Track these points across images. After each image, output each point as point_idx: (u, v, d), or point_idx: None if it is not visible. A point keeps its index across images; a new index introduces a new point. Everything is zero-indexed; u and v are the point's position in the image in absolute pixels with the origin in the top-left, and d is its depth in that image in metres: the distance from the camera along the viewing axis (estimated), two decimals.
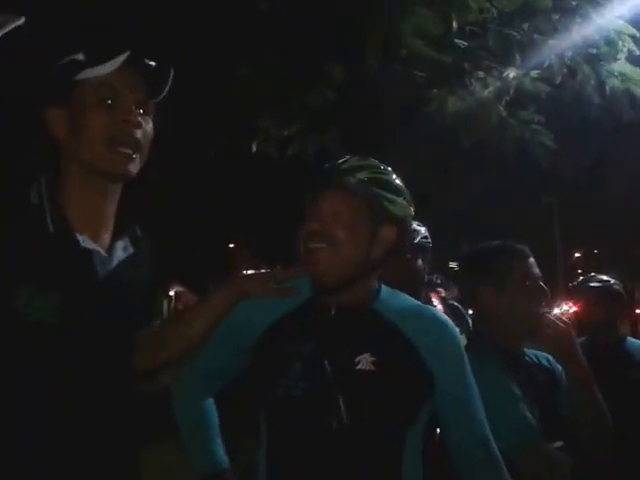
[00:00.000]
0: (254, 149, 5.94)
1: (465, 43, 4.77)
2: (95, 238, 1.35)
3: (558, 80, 4.72)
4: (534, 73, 4.76)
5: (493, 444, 1.41)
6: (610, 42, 4.30)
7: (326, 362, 1.34)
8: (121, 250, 1.39)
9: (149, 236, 1.53)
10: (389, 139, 5.82)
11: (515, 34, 4.59)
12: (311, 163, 6.11)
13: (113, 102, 1.32)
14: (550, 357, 1.92)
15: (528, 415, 1.69)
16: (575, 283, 3.53)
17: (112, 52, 1.31)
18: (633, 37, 4.24)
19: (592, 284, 3.20)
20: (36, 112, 1.39)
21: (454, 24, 4.02)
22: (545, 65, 4.69)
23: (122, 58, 1.30)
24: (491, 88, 4.98)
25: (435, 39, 4.17)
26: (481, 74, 5.01)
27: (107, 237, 1.38)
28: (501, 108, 5.08)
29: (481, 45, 4.95)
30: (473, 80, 4.99)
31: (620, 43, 4.27)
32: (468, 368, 1.43)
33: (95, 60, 1.31)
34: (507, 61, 4.91)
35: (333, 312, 1.40)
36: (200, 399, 1.56)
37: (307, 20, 3.93)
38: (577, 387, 1.78)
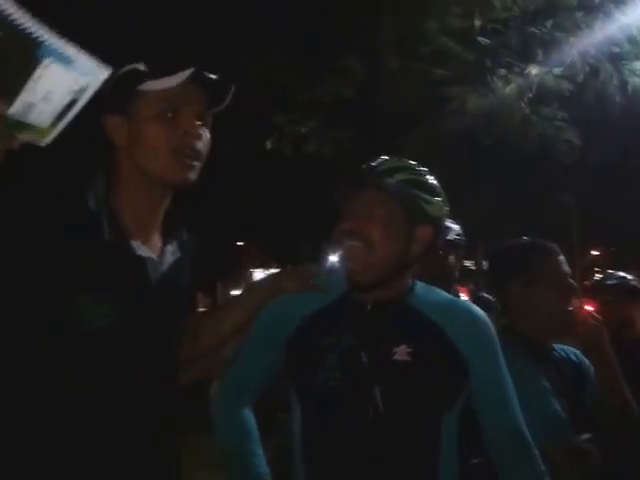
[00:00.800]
0: (268, 147, 5.98)
1: (487, 41, 4.79)
2: (147, 242, 1.39)
3: (580, 78, 4.73)
4: (557, 70, 4.76)
5: (526, 432, 1.44)
6: (633, 41, 4.31)
7: (362, 354, 1.38)
8: (170, 254, 1.43)
9: (194, 238, 1.57)
10: (407, 137, 5.85)
11: (537, 31, 4.60)
12: (326, 162, 6.15)
13: (174, 114, 1.34)
14: (578, 352, 1.95)
15: (557, 407, 1.72)
16: (592, 281, 3.52)
17: (176, 66, 1.33)
18: None
19: (609, 282, 3.20)
20: (94, 117, 1.41)
21: (477, 21, 4.03)
22: (567, 63, 4.70)
23: (186, 74, 1.32)
24: (513, 85, 4.99)
25: (458, 36, 4.18)
26: (503, 71, 5.03)
27: (157, 240, 1.42)
28: (524, 105, 5.09)
29: (503, 42, 4.97)
30: (495, 77, 5.01)
31: None
32: (502, 358, 1.46)
33: (158, 72, 1.34)
34: (529, 58, 4.93)
35: (369, 307, 1.43)
36: (240, 408, 1.57)
37: (325, 16, 3.95)
38: (605, 383, 1.80)
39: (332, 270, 1.58)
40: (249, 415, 1.56)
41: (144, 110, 1.34)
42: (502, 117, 5.20)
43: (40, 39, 0.98)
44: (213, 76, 1.37)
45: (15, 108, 1.00)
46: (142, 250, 1.37)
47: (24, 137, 1.06)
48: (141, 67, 1.37)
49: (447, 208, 1.50)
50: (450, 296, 1.54)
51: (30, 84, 0.99)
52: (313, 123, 5.44)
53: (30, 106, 1.01)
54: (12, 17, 0.96)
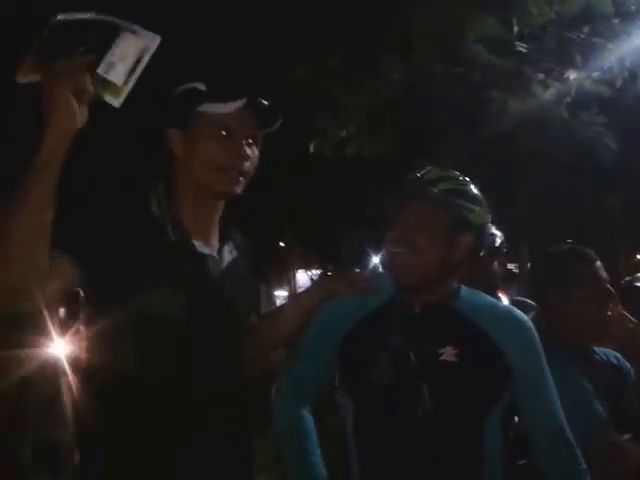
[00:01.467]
0: (312, 150, 6.11)
1: (524, 46, 4.83)
2: (206, 243, 1.51)
3: (619, 83, 4.74)
4: (595, 75, 4.78)
5: (569, 431, 1.51)
6: None
7: (411, 354, 1.47)
8: (227, 253, 1.55)
9: (246, 241, 1.69)
10: (446, 141, 5.90)
11: (575, 37, 4.62)
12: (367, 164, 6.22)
13: (227, 135, 1.48)
14: (619, 355, 2.01)
15: (599, 408, 1.78)
16: (622, 283, 3.50)
17: (233, 94, 1.47)
18: None
19: (637, 284, 3.20)
20: (158, 129, 1.56)
21: (515, 28, 4.08)
22: (605, 68, 4.71)
23: (240, 103, 1.45)
24: (552, 90, 5.02)
25: (496, 43, 4.24)
26: (541, 76, 5.06)
27: (215, 242, 1.54)
28: (563, 110, 5.11)
29: (540, 47, 5.01)
30: (533, 82, 5.05)
31: None
32: (544, 359, 1.53)
33: (216, 97, 1.47)
34: (567, 63, 4.95)
35: (417, 310, 1.52)
36: (300, 408, 1.65)
37: (369, 21, 4.05)
38: None
39: (377, 274, 1.68)
40: (308, 416, 1.65)
41: (201, 128, 1.47)
42: (542, 121, 5.24)
43: (116, 21, 1.28)
44: (265, 102, 1.50)
45: (101, 67, 1.25)
46: (203, 248, 1.49)
47: (105, 96, 1.27)
48: (201, 87, 1.51)
49: (489, 216, 1.58)
50: (493, 300, 1.62)
51: (111, 48, 1.26)
52: (354, 126, 5.55)
53: (111, 64, 1.26)
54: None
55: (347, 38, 4.09)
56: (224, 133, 1.48)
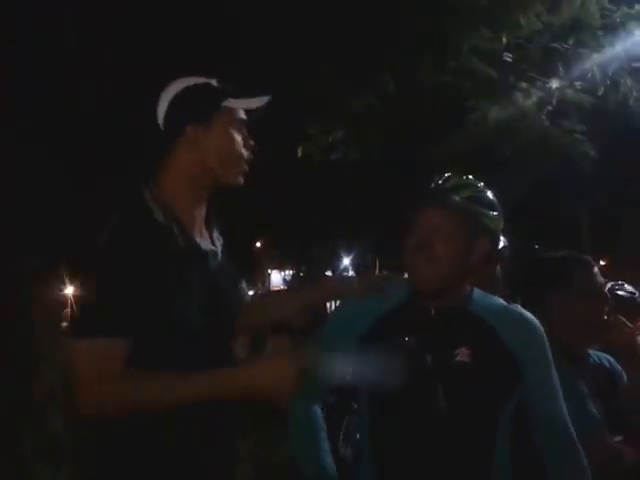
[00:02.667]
0: (300, 154, 6.14)
1: (510, 55, 4.92)
2: (201, 235, 1.55)
3: (601, 91, 4.85)
4: (577, 84, 4.88)
5: (573, 430, 1.57)
6: None
7: (427, 355, 1.51)
8: (218, 241, 1.61)
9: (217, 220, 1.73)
10: (431, 148, 5.98)
11: (560, 47, 4.72)
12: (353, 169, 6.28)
13: (242, 127, 1.56)
14: (611, 359, 2.07)
15: (594, 410, 1.84)
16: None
17: (257, 89, 1.55)
18: None
19: (619, 292, 3.28)
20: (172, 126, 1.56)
21: (504, 40, 4.15)
22: (588, 77, 4.82)
23: (265, 100, 1.55)
24: (534, 98, 5.11)
25: (486, 54, 4.32)
26: (524, 85, 5.15)
27: (205, 230, 1.58)
28: (544, 117, 5.21)
29: (524, 57, 5.10)
30: (516, 90, 5.13)
31: None
32: (552, 361, 1.59)
33: (242, 93, 1.54)
34: (550, 73, 5.05)
35: (432, 312, 1.57)
36: (311, 406, 1.71)
37: (361, 32, 4.09)
38: (637, 386, 1.93)
39: (388, 276, 1.73)
40: (318, 412, 1.71)
41: (226, 122, 1.53)
42: (522, 129, 5.33)
43: None
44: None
45: None
46: (204, 245, 1.53)
47: None
48: (214, 83, 1.54)
49: (502, 220, 1.64)
50: (503, 302, 1.67)
51: None
52: (340, 132, 5.59)
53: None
54: None
55: (345, 47, 4.13)
56: (239, 125, 1.56)
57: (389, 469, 1.53)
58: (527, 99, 5.20)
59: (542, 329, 1.61)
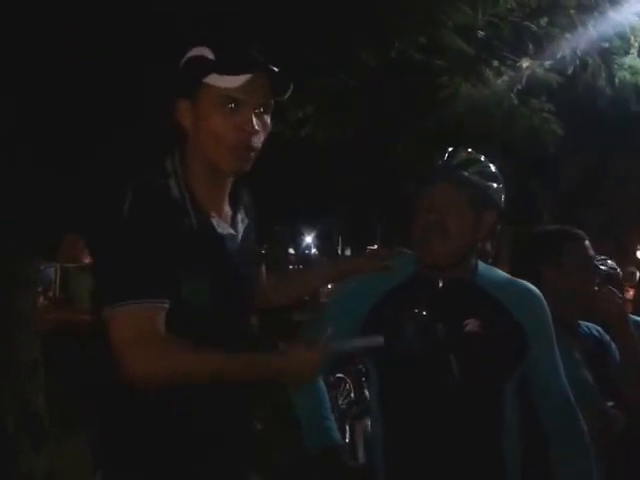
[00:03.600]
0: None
1: (482, 33, 4.95)
2: (220, 214, 1.51)
3: (570, 71, 4.93)
4: (547, 64, 4.94)
5: (572, 398, 1.62)
6: (623, 37, 4.50)
7: (439, 326, 1.54)
8: (241, 223, 1.56)
9: (252, 198, 1.69)
10: (401, 126, 6.00)
11: (532, 26, 4.76)
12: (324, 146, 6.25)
13: (235, 108, 1.42)
14: (599, 328, 2.14)
15: (588, 377, 1.91)
16: None
17: (242, 66, 1.40)
18: None
19: (602, 267, 3.37)
20: (167, 99, 1.52)
21: (480, 15, 4.17)
22: (558, 57, 4.88)
23: (247, 77, 1.39)
24: (505, 77, 5.17)
25: (464, 31, 4.33)
26: (495, 63, 5.20)
27: (227, 211, 1.54)
28: (513, 96, 5.27)
29: (496, 35, 5.14)
30: (487, 69, 5.18)
31: (632, 38, 4.47)
32: (553, 330, 1.64)
33: (225, 68, 1.40)
34: (521, 51, 5.11)
35: (441, 284, 1.59)
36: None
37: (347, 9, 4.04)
38: (627, 355, 2.00)
39: (396, 251, 1.74)
40: (321, 384, 1.72)
41: (207, 99, 1.43)
42: (491, 107, 5.39)
43: None
44: (274, 68, 1.45)
45: None
46: (222, 227, 1.50)
47: None
48: (208, 54, 1.44)
49: (504, 191, 1.67)
50: (507, 275, 1.70)
51: None
52: (310, 108, 5.54)
53: None
54: None
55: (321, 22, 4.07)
56: (231, 106, 1.42)
57: (401, 434, 1.56)
58: (498, 77, 5.26)
59: (545, 302, 1.66)
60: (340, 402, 4.30)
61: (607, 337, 2.13)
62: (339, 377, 4.52)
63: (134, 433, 1.39)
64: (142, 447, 1.38)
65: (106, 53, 3.08)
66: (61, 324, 5.13)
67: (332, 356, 1.49)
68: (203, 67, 1.42)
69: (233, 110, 1.42)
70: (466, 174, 1.58)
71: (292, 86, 1.49)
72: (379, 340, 1.46)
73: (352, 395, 4.48)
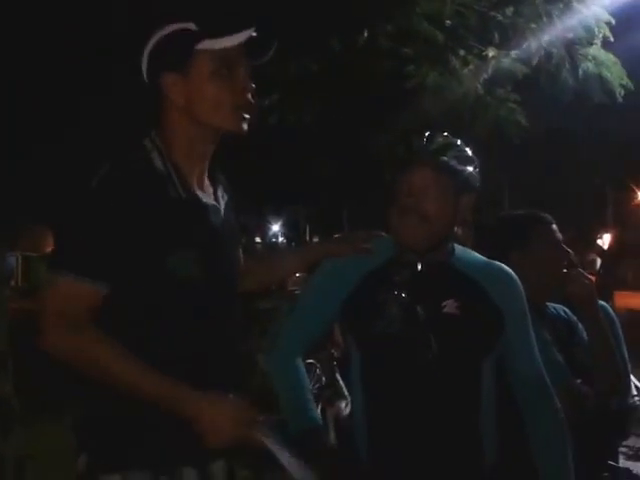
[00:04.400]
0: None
1: (449, 22, 5.00)
2: (202, 189, 1.50)
3: (535, 61, 5.01)
4: (513, 54, 5.02)
5: (546, 377, 1.67)
6: (587, 28, 4.59)
7: (419, 307, 1.57)
8: (222, 198, 1.55)
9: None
10: (367, 113, 6.03)
11: (498, 16, 4.83)
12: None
13: (229, 71, 1.43)
14: (566, 309, 2.20)
15: (558, 356, 1.96)
16: None
17: (235, 26, 1.41)
18: (609, 24, 4.54)
19: None
20: (149, 77, 1.50)
21: (448, 3, 4.22)
22: (523, 47, 4.96)
23: (247, 34, 1.40)
24: (471, 66, 5.23)
25: (433, 19, 4.37)
26: (462, 52, 5.26)
27: (208, 185, 1.53)
28: (479, 86, 5.34)
29: (463, 24, 5.19)
30: (454, 58, 5.24)
31: (596, 29, 4.57)
32: (528, 311, 1.68)
33: (217, 32, 1.40)
34: (487, 41, 5.17)
35: (420, 267, 1.62)
36: (295, 358, 1.73)
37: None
38: (595, 335, 2.06)
39: (373, 234, 1.75)
40: (302, 366, 1.74)
41: (202, 67, 1.43)
42: (458, 96, 5.45)
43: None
44: (255, 33, 1.44)
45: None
46: (206, 198, 1.49)
47: None
48: (191, 26, 1.43)
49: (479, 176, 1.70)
50: (484, 257, 1.73)
51: None
52: (277, 96, 5.54)
53: None
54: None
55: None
56: (226, 70, 1.44)
57: (382, 413, 1.58)
58: (464, 66, 5.32)
59: (520, 282, 1.69)
60: (311, 387, 4.34)
61: (574, 318, 2.18)
62: (310, 362, 4.55)
63: (116, 416, 1.39)
64: (125, 430, 1.38)
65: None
66: (25, 313, 5.06)
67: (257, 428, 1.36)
68: (192, 36, 1.42)
69: (227, 74, 1.44)
70: (445, 159, 1.59)
71: (275, 45, 1.49)
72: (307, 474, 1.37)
73: (323, 380, 4.52)
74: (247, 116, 1.48)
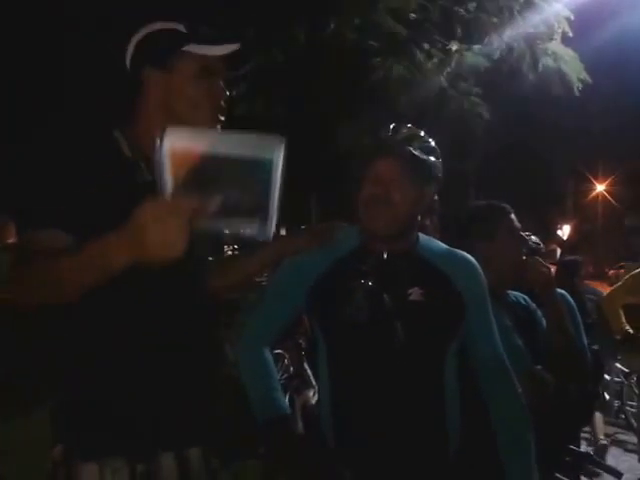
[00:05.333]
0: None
1: (414, 16, 5.07)
2: None
3: (497, 55, 5.12)
4: (476, 48, 5.12)
5: (507, 362, 1.73)
6: (547, 23, 4.71)
7: (385, 295, 1.61)
8: None
9: None
10: (334, 104, 6.07)
11: (461, 10, 4.91)
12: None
13: (210, 76, 1.50)
14: (525, 297, 2.27)
15: (519, 342, 2.03)
16: None
17: (221, 37, 1.49)
18: (568, 19, 4.66)
19: (530, 243, 3.58)
20: (130, 70, 1.53)
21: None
22: (486, 41, 5.07)
23: (232, 47, 1.48)
24: (435, 60, 5.32)
25: (396, 12, 4.43)
26: (426, 46, 5.34)
27: None
28: (443, 79, 5.44)
29: (427, 18, 5.27)
30: (418, 51, 5.32)
31: (556, 24, 4.69)
32: (488, 297, 1.74)
33: (205, 39, 1.48)
34: (450, 35, 5.26)
35: (385, 256, 1.66)
36: (262, 349, 1.75)
37: None
38: (554, 321, 2.14)
39: (336, 225, 1.79)
40: (269, 355, 1.76)
41: (185, 68, 1.49)
42: (422, 89, 5.54)
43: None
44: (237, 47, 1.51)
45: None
46: None
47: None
48: (181, 28, 1.50)
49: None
50: (447, 246, 1.79)
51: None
52: (244, 86, 5.55)
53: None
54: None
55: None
56: (206, 75, 1.50)
57: (350, 402, 1.62)
58: (428, 60, 5.41)
59: (481, 270, 1.75)
60: (279, 377, 4.37)
61: (533, 305, 2.26)
62: (278, 352, 4.58)
63: (91, 404, 1.40)
64: (100, 418, 1.39)
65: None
66: None
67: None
68: (179, 38, 1.49)
69: (208, 79, 1.50)
70: (410, 149, 1.63)
71: (248, 65, 1.59)
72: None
73: (291, 369, 4.56)
74: (222, 118, 1.54)
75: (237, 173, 1.16)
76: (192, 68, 1.49)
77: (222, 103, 1.53)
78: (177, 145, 1.17)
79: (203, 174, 1.16)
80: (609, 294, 4.19)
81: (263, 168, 1.16)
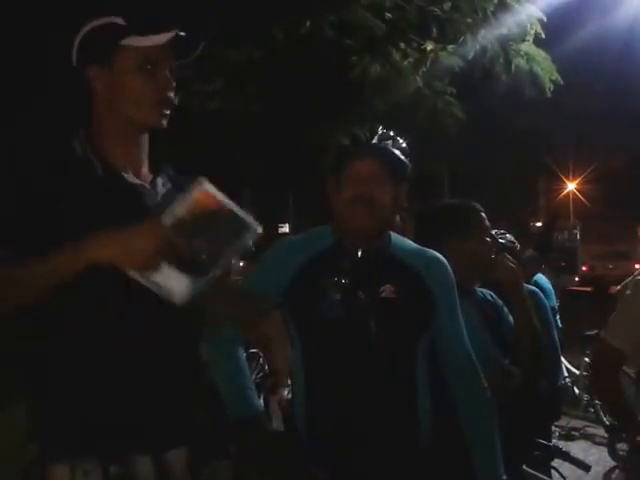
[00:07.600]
0: (176, 102, 5.99)
1: (390, 15, 5.11)
2: (137, 175, 1.51)
3: (470, 56, 5.18)
4: (450, 48, 5.17)
5: (474, 356, 1.79)
6: (520, 25, 4.78)
7: (360, 292, 1.65)
8: (161, 185, 1.56)
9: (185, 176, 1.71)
10: (311, 102, 6.09)
11: (436, 10, 4.96)
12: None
13: (153, 67, 1.48)
14: (492, 293, 2.34)
15: (487, 337, 2.09)
16: None
17: (160, 25, 1.46)
18: (541, 21, 4.73)
19: (501, 241, 3.64)
20: (76, 68, 1.53)
21: None
22: (460, 41, 5.12)
23: (170, 35, 1.44)
24: (411, 59, 5.36)
25: (373, 10, 4.46)
26: (402, 45, 5.38)
27: (147, 174, 1.55)
28: (418, 78, 5.48)
29: (403, 18, 5.31)
30: (394, 50, 5.35)
31: (529, 26, 4.76)
32: (457, 294, 1.79)
33: (142, 30, 1.46)
34: (426, 35, 5.31)
35: (359, 254, 1.70)
36: (234, 347, 1.77)
37: None
38: (521, 316, 2.20)
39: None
40: (241, 353, 1.79)
41: (125, 62, 1.47)
42: (398, 88, 5.58)
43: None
44: (183, 33, 1.50)
45: None
46: (133, 179, 1.51)
47: None
48: (119, 21, 1.48)
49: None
50: (418, 245, 1.84)
51: None
52: (220, 81, 5.54)
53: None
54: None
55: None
56: (149, 67, 1.49)
57: (323, 398, 1.66)
58: (404, 59, 5.45)
59: (450, 268, 1.80)
60: (254, 376, 4.39)
61: (499, 301, 2.32)
62: (252, 352, 4.61)
63: (60, 405, 1.39)
64: (73, 418, 1.38)
65: None
66: None
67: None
68: (118, 31, 1.47)
69: (152, 70, 1.48)
70: (389, 149, 1.69)
71: (198, 49, 1.54)
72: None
73: (266, 368, 4.58)
74: (167, 112, 1.52)
75: (229, 229, 1.33)
76: (132, 61, 1.48)
77: (168, 94, 1.51)
78: (205, 189, 1.33)
79: (204, 220, 1.32)
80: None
81: (244, 232, 1.33)
